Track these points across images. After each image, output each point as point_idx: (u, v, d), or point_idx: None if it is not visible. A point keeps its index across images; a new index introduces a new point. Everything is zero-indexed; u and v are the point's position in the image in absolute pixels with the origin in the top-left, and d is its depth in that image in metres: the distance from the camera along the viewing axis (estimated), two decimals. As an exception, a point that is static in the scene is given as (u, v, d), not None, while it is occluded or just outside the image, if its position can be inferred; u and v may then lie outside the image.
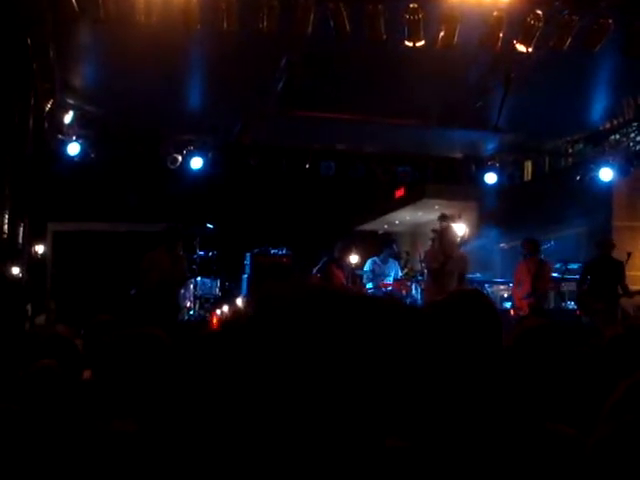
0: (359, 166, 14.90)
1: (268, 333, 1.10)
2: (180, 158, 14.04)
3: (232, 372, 1.10)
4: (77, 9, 8.10)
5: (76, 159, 13.55)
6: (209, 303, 14.69)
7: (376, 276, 13.78)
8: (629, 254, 12.46)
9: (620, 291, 12.24)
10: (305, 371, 1.05)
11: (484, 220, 20.33)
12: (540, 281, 12.39)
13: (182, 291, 13.28)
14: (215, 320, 13.25)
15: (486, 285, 15.26)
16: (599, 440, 1.48)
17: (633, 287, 12.44)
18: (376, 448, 1.11)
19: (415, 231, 23.95)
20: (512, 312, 12.72)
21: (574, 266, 13.67)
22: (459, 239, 12.20)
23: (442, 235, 11.64)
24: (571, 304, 13.57)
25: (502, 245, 18.95)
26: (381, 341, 1.07)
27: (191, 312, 14.12)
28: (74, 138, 13.32)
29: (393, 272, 14.03)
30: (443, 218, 14.70)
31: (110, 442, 2.45)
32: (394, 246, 14.38)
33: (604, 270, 12.13)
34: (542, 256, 12.99)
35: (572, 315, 12.78)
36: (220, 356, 1.13)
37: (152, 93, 11.68)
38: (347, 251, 13.93)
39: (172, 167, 14.00)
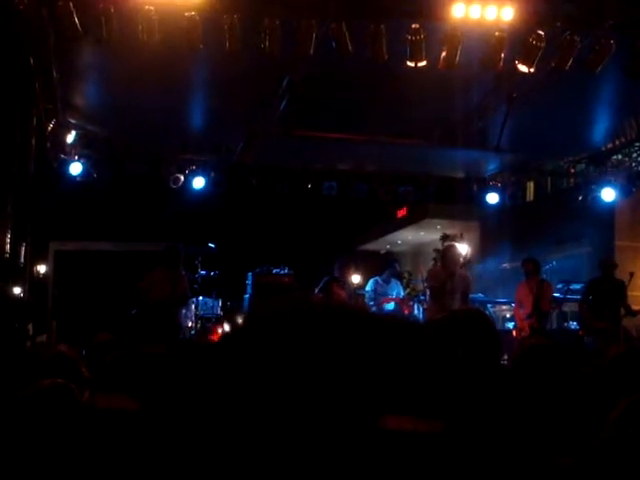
0: (361, 186, 14.91)
1: (258, 344, 1.09)
2: (182, 178, 14.06)
3: (224, 382, 1.10)
4: (80, 29, 8.13)
5: (78, 179, 13.58)
6: (211, 323, 14.65)
7: (378, 296, 13.76)
8: (631, 274, 12.42)
9: (623, 311, 12.22)
10: (293, 383, 1.04)
11: (486, 240, 20.36)
12: (542, 301, 12.35)
13: (184, 311, 13.26)
14: (215, 338, 13.22)
15: (488, 305, 15.24)
16: (596, 451, 1.47)
17: (635, 307, 12.41)
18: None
19: (417, 251, 23.99)
20: (515, 333, 12.66)
21: (576, 286, 13.64)
22: (461, 258, 12.18)
23: (444, 254, 11.62)
24: (573, 324, 13.54)
25: (504, 265, 18.94)
26: (377, 355, 1.06)
27: (192, 332, 14.09)
28: (76, 158, 13.35)
29: (395, 292, 14.00)
30: (445, 238, 14.72)
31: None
32: (396, 265, 14.36)
33: (606, 290, 12.10)
34: (543, 276, 12.97)
35: (574, 335, 12.74)
36: (212, 366, 1.12)
37: (154, 113, 11.71)
38: (347, 269, 13.92)
39: (174, 187, 14.02)
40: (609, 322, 11.88)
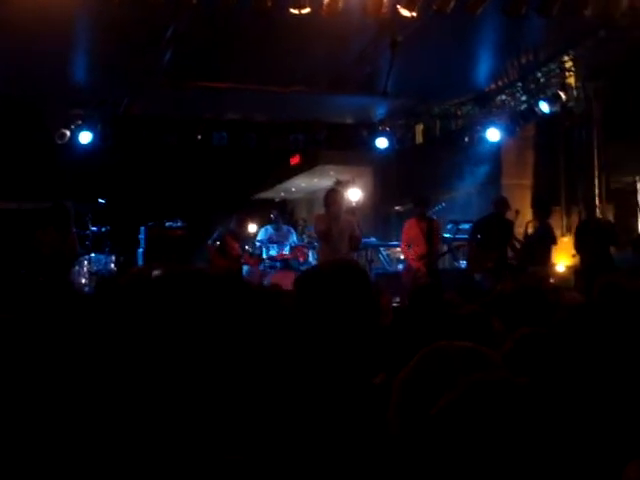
0: (251, 135, 14.88)
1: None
2: (68, 133, 13.81)
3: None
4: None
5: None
6: (104, 279, 14.45)
7: (272, 244, 13.80)
8: (517, 212, 12.77)
9: (510, 250, 12.56)
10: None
11: (379, 184, 20.58)
12: (434, 241, 12.53)
13: (76, 268, 13.11)
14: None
15: (381, 248, 15.45)
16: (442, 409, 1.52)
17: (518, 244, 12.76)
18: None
19: (312, 197, 24.08)
20: (405, 275, 12.71)
21: (465, 226, 13.92)
22: (345, 202, 12.23)
23: (326, 198, 11.65)
24: (464, 263, 13.80)
25: (397, 208, 19.19)
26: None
27: (86, 289, 13.88)
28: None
29: (290, 239, 14.05)
30: (338, 184, 14.78)
31: None
32: (272, 214, 14.33)
33: (494, 229, 12.36)
34: (433, 216, 13.19)
35: (465, 274, 12.99)
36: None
37: (36, 67, 11.41)
38: (244, 221, 13.89)
39: (60, 142, 13.76)
40: (496, 260, 12.17)
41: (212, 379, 1.12)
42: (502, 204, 12.70)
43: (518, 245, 12.62)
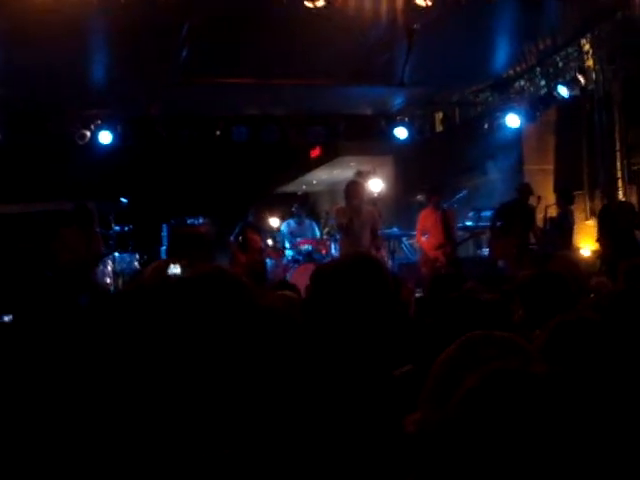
0: (271, 129, 14.87)
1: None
2: (88, 134, 13.87)
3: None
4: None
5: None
6: (129, 278, 14.46)
7: (294, 237, 13.79)
8: (539, 198, 12.74)
9: (532, 236, 12.53)
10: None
11: (400, 173, 20.49)
12: (452, 230, 12.52)
13: (100, 267, 13.15)
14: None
15: (403, 238, 15.40)
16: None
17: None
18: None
19: (333, 189, 24.00)
20: (424, 264, 12.61)
21: (487, 213, 13.87)
22: (367, 194, 12.23)
23: (346, 191, 11.66)
24: (486, 251, 13.76)
25: (419, 197, 19.11)
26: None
27: (112, 288, 13.91)
28: (-22, 120, 13.06)
29: (311, 232, 14.04)
30: (359, 174, 14.72)
31: None
32: (294, 208, 14.31)
33: (516, 215, 12.33)
34: (454, 206, 13.17)
35: (488, 262, 12.94)
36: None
37: (55, 69, 11.46)
38: (262, 214, 13.90)
39: (81, 143, 13.83)
40: (518, 246, 12.11)
41: (227, 375, 1.13)
42: (525, 190, 12.69)
43: (539, 231, 12.63)
